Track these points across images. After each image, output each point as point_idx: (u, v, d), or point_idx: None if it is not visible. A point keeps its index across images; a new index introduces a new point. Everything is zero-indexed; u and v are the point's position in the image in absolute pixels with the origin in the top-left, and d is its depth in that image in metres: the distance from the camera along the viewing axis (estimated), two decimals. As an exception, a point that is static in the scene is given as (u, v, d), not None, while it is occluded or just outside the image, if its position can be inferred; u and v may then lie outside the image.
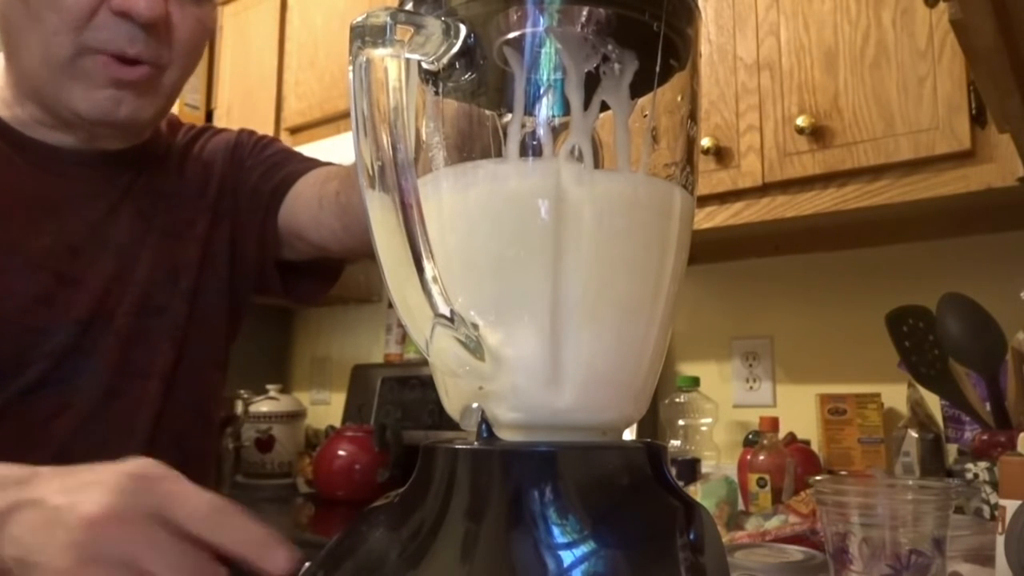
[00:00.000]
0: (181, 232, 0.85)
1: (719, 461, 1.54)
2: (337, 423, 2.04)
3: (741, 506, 1.25)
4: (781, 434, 1.39)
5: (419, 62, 0.35)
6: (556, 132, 0.34)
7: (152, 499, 0.41)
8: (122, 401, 0.78)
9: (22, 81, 0.76)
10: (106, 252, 0.79)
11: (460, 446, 0.35)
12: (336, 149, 1.73)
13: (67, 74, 0.73)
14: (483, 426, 0.35)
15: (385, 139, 0.32)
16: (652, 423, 1.65)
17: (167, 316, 0.82)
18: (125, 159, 0.83)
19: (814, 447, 1.45)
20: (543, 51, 0.34)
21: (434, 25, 0.34)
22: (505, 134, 0.35)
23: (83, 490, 0.42)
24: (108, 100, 0.74)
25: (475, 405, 0.35)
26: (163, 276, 0.82)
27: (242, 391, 2.09)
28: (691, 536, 0.34)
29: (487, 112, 0.37)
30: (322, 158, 0.94)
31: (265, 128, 2.04)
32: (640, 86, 0.36)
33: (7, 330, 0.73)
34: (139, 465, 0.43)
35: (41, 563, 0.40)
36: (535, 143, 0.34)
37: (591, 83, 0.35)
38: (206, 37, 0.81)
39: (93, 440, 0.75)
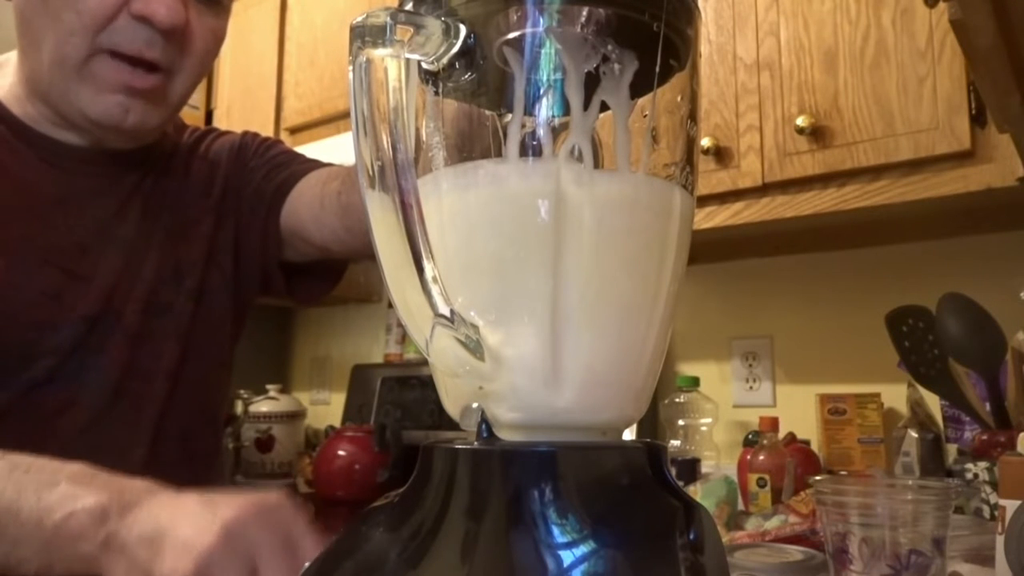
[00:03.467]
0: (186, 231, 0.86)
1: (719, 461, 1.54)
2: (337, 423, 2.04)
3: (741, 506, 1.25)
4: (781, 434, 1.39)
5: (419, 62, 0.35)
6: (556, 132, 0.34)
7: (288, 519, 0.48)
8: (128, 399, 0.78)
9: (34, 79, 0.77)
10: (114, 250, 0.80)
11: (460, 446, 0.35)
12: (336, 149, 1.73)
13: (78, 76, 0.73)
14: (483, 426, 0.35)
15: (385, 139, 0.32)
16: (652, 423, 1.65)
17: (172, 315, 0.82)
18: (133, 159, 0.83)
19: (814, 447, 1.45)
20: (543, 51, 0.34)
21: (434, 25, 0.34)
22: (505, 134, 0.35)
23: (223, 499, 0.49)
24: (117, 107, 0.74)
25: (475, 405, 0.35)
26: (169, 275, 0.83)
27: (242, 391, 2.10)
28: (691, 536, 0.34)
29: (487, 112, 0.37)
30: (322, 158, 0.94)
31: (265, 128, 2.04)
32: (640, 86, 0.36)
33: (15, 324, 0.73)
34: (276, 495, 0.51)
35: (181, 536, 0.45)
36: (535, 143, 0.34)
37: (591, 83, 0.35)
38: (218, 48, 0.82)
39: (99, 437, 0.76)
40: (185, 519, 0.46)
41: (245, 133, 0.96)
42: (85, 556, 0.49)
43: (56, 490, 0.51)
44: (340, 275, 0.99)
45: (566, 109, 0.34)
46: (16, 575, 0.53)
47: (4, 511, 0.52)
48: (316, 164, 0.92)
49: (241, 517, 0.46)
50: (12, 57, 0.81)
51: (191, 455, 0.84)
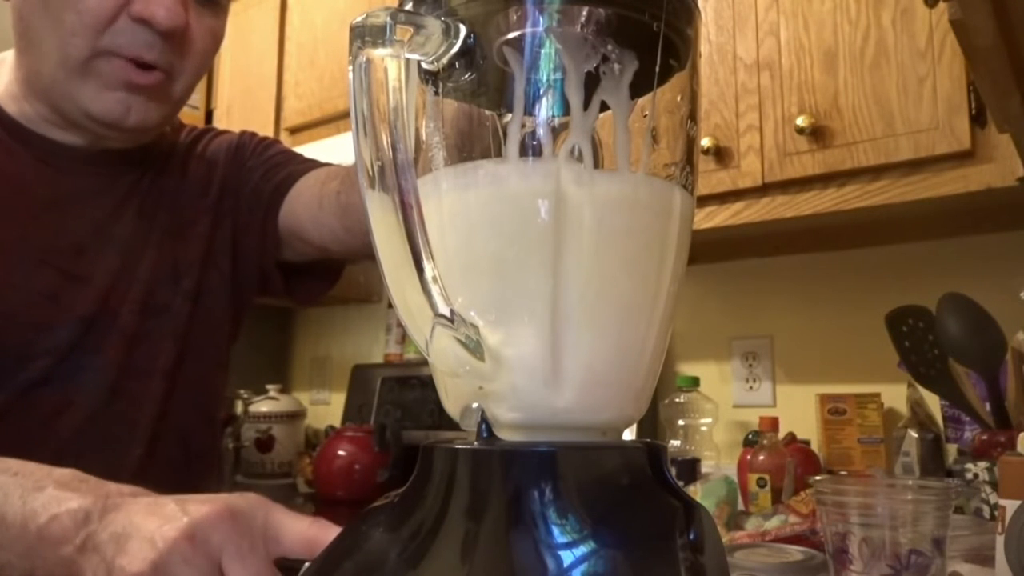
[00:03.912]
0: (183, 231, 0.85)
1: (719, 461, 1.54)
2: (337, 423, 2.04)
3: (741, 506, 1.25)
4: (781, 434, 1.39)
5: (419, 62, 0.35)
6: (556, 132, 0.34)
7: (261, 517, 0.48)
8: (125, 399, 0.78)
9: (33, 78, 0.77)
10: (110, 250, 0.80)
11: (460, 446, 0.35)
12: (336, 149, 1.73)
13: (81, 75, 0.73)
14: (483, 426, 0.35)
15: (385, 139, 0.32)
16: (652, 423, 1.65)
17: (170, 315, 0.82)
18: (130, 158, 0.83)
19: (814, 447, 1.45)
20: (543, 51, 0.34)
21: (434, 25, 0.34)
22: (505, 134, 0.35)
23: (197, 499, 0.48)
24: (119, 104, 0.74)
25: (475, 405, 0.35)
26: (165, 275, 0.83)
27: (242, 391, 2.09)
28: (691, 536, 0.34)
29: (487, 112, 0.37)
30: (322, 158, 0.94)
31: (265, 128, 2.04)
32: (640, 86, 0.36)
33: (12, 325, 0.73)
34: (252, 497, 0.50)
35: (145, 537, 0.45)
36: (535, 143, 0.34)
37: (591, 83, 0.35)
38: (217, 47, 0.82)
39: (96, 438, 0.76)
40: (155, 517, 0.46)
41: (243, 133, 0.96)
42: (66, 560, 0.48)
43: (42, 494, 0.51)
44: (338, 275, 0.99)
45: (566, 109, 0.34)
46: None
47: None
48: (314, 164, 0.92)
49: (210, 517, 0.45)
50: (7, 56, 0.81)
51: (188, 455, 0.84)
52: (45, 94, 0.76)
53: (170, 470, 0.81)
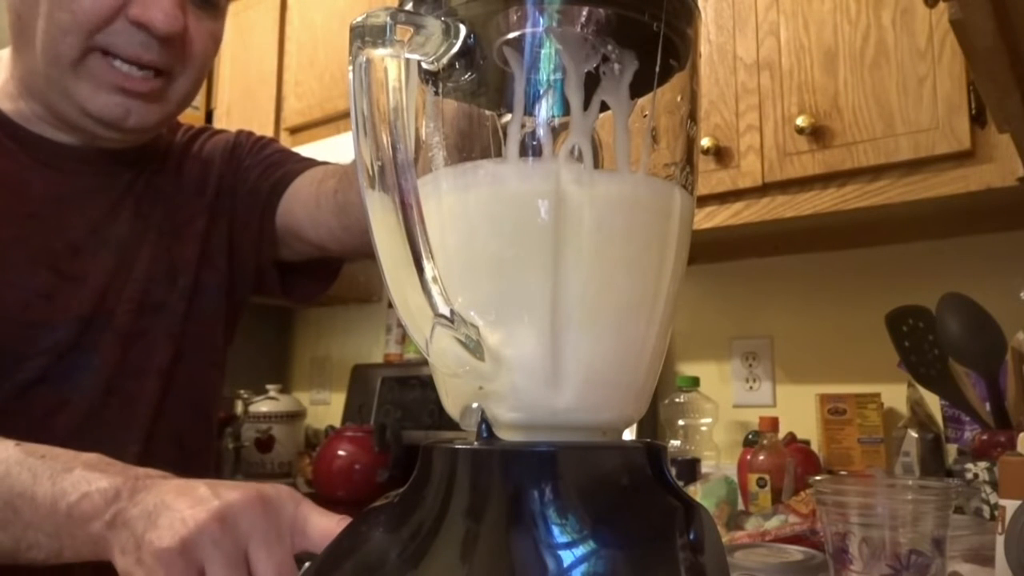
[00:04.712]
0: (179, 230, 0.85)
1: (719, 461, 1.54)
2: (337, 423, 2.04)
3: (741, 506, 1.25)
4: (781, 434, 1.39)
5: (419, 62, 0.35)
6: (556, 132, 0.34)
7: (291, 509, 0.49)
8: (120, 398, 0.78)
9: (28, 77, 0.77)
10: (106, 249, 0.80)
11: (460, 446, 0.35)
12: (336, 149, 1.73)
13: (73, 73, 0.73)
14: (483, 426, 0.35)
15: (385, 139, 0.32)
16: (652, 423, 1.65)
17: (166, 314, 0.82)
18: (126, 158, 0.83)
19: (814, 447, 1.45)
20: (543, 51, 0.34)
21: (434, 25, 0.34)
22: (505, 134, 0.35)
23: (228, 484, 0.49)
24: (118, 107, 0.74)
25: (475, 405, 0.35)
26: (162, 274, 0.83)
27: (242, 391, 2.09)
28: (691, 536, 0.34)
29: (487, 112, 0.37)
30: (322, 158, 0.94)
31: (265, 128, 2.04)
32: (640, 86, 0.36)
33: (7, 324, 0.73)
34: (281, 487, 0.51)
35: (176, 515, 0.46)
36: (535, 143, 0.34)
37: (591, 83, 0.35)
38: (216, 50, 0.82)
39: (91, 437, 0.76)
40: (186, 498, 0.47)
41: (239, 132, 0.96)
42: (94, 536, 0.50)
43: (71, 475, 0.52)
44: (336, 274, 0.99)
45: (566, 109, 0.34)
46: (24, 560, 0.53)
47: (19, 495, 0.53)
48: (311, 163, 0.92)
49: (242, 502, 0.46)
50: (3, 55, 0.81)
51: (184, 454, 0.84)
52: (41, 93, 0.76)
53: (166, 469, 0.81)
